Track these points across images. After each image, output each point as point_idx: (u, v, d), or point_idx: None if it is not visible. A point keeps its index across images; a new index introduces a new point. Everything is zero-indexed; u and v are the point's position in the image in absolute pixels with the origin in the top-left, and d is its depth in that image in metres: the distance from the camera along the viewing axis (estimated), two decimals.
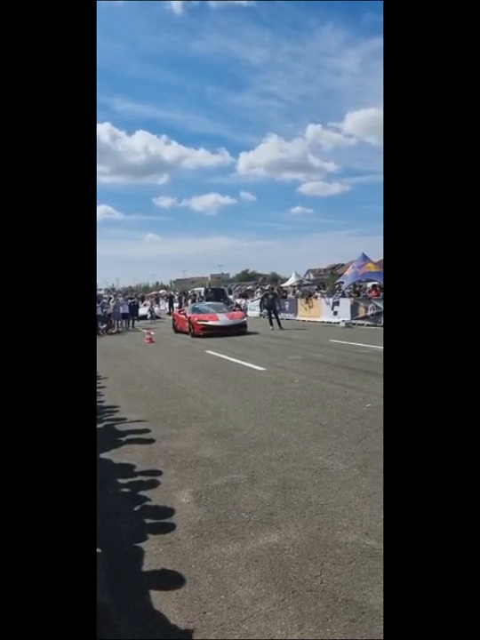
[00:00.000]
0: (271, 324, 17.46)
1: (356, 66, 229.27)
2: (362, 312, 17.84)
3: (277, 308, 19.32)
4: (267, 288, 24.60)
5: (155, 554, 2.68)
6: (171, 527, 2.99)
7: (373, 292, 19.35)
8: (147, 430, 5.20)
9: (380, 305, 17.02)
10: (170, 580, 2.44)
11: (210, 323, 16.06)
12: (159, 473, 3.95)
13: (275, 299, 19.53)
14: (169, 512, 3.20)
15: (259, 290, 30.45)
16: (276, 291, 23.58)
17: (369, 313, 17.41)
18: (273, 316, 17.76)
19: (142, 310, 29.93)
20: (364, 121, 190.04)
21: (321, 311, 20.45)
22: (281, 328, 17.10)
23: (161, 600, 2.27)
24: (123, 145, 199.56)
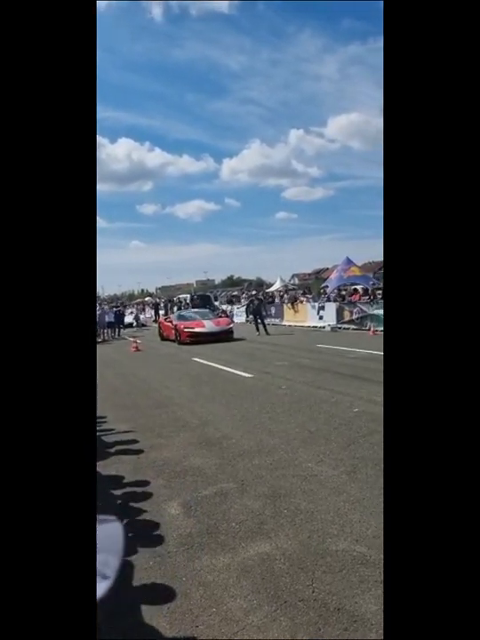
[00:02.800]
0: (257, 330, 17.49)
1: (334, 72, 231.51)
2: (347, 316, 17.95)
3: (263, 313, 19.36)
4: (252, 294, 24.64)
5: (145, 568, 2.66)
6: (160, 540, 2.96)
7: (356, 295, 19.48)
8: (134, 440, 5.16)
9: (365, 308, 17.14)
10: (160, 594, 2.41)
11: (196, 330, 16.03)
12: (148, 483, 3.91)
13: (261, 304, 19.59)
14: (158, 524, 3.18)
15: (244, 295, 30.47)
16: (261, 296, 23.61)
17: (354, 316, 17.53)
18: (259, 321, 17.79)
19: (128, 318, 29.80)
20: (346, 126, 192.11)
21: (307, 316, 20.54)
22: (267, 333, 17.13)
23: (151, 615, 2.25)
24: (106, 152, 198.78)
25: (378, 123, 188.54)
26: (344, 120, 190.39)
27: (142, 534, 3.03)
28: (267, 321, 19.04)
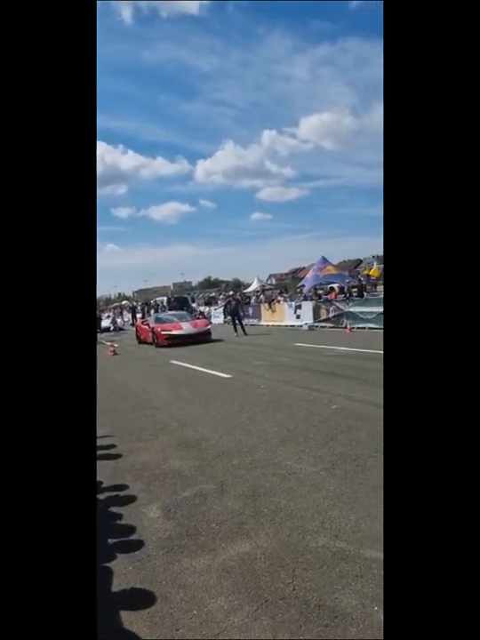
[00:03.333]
0: (236, 331, 17.48)
1: (304, 72, 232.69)
2: (324, 314, 18.06)
3: (241, 314, 19.37)
4: (230, 294, 24.63)
5: (124, 573, 2.62)
6: (139, 544, 2.92)
7: (332, 293, 19.63)
8: (113, 445, 5.10)
9: (342, 306, 17.29)
10: (140, 598, 2.38)
11: (174, 332, 15.95)
12: (126, 488, 3.87)
13: (238, 305, 19.60)
14: (137, 528, 3.14)
15: (222, 297, 30.46)
16: (238, 297, 23.63)
17: (331, 315, 17.65)
18: (237, 322, 17.79)
19: (105, 322, 29.52)
20: (318, 126, 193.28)
21: (284, 315, 20.61)
22: (245, 334, 17.13)
23: (132, 620, 2.22)
24: None
25: (349, 122, 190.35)
26: (316, 120, 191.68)
27: (121, 539, 2.99)
28: (245, 321, 19.05)
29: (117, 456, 4.74)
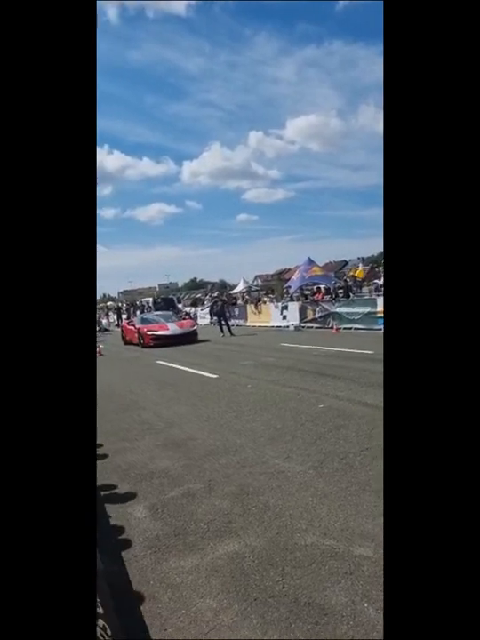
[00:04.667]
0: (222, 331, 17.46)
1: (291, 74, 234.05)
2: (310, 315, 18.11)
3: (227, 314, 19.35)
4: (215, 295, 24.58)
5: (110, 573, 2.58)
6: (127, 544, 2.89)
7: (318, 294, 19.69)
8: (98, 445, 5.04)
9: (328, 307, 17.35)
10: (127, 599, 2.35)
11: (160, 332, 15.88)
12: (114, 487, 3.83)
13: (224, 305, 19.57)
14: (124, 528, 3.10)
15: (208, 297, 30.41)
16: (225, 298, 23.59)
17: (317, 315, 17.70)
18: (223, 323, 17.77)
19: None
20: (305, 128, 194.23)
21: (270, 316, 20.63)
22: (232, 334, 17.12)
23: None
24: None
25: (335, 124, 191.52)
26: (303, 122, 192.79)
27: (108, 540, 2.95)
28: (231, 322, 19.04)
29: (103, 456, 4.69)
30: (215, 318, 19.57)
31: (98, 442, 5.15)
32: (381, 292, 17.75)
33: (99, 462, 4.48)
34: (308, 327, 17.82)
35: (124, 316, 31.29)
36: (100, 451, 4.85)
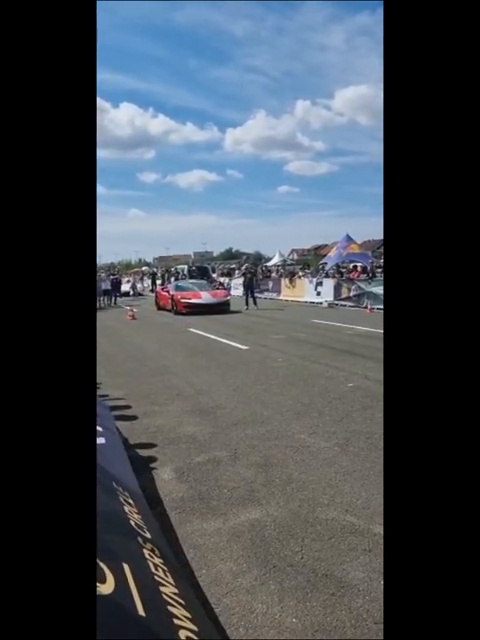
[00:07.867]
0: (246, 304, 17.47)
1: (341, 42, 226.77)
2: (345, 293, 17.92)
3: (254, 287, 19.25)
4: (244, 268, 24.47)
5: None
6: (153, 502, 2.99)
7: (354, 272, 19.41)
8: (128, 406, 5.19)
9: (363, 286, 17.11)
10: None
11: (193, 300, 16.00)
12: (142, 447, 3.95)
13: (253, 278, 19.48)
14: (151, 488, 3.21)
15: (239, 269, 30.29)
16: (254, 270, 23.41)
17: (352, 294, 17.51)
18: (249, 295, 17.77)
19: (125, 287, 29.67)
20: (354, 99, 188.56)
21: (304, 291, 20.50)
22: (256, 307, 17.11)
23: None
24: (108, 118, 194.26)
25: None
26: (352, 93, 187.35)
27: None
28: (264, 295, 19.02)
29: (133, 418, 4.82)
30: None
31: (128, 403, 5.30)
32: None
33: (128, 423, 4.62)
34: (341, 305, 17.67)
35: (159, 282, 31.55)
36: (130, 412, 4.99)
